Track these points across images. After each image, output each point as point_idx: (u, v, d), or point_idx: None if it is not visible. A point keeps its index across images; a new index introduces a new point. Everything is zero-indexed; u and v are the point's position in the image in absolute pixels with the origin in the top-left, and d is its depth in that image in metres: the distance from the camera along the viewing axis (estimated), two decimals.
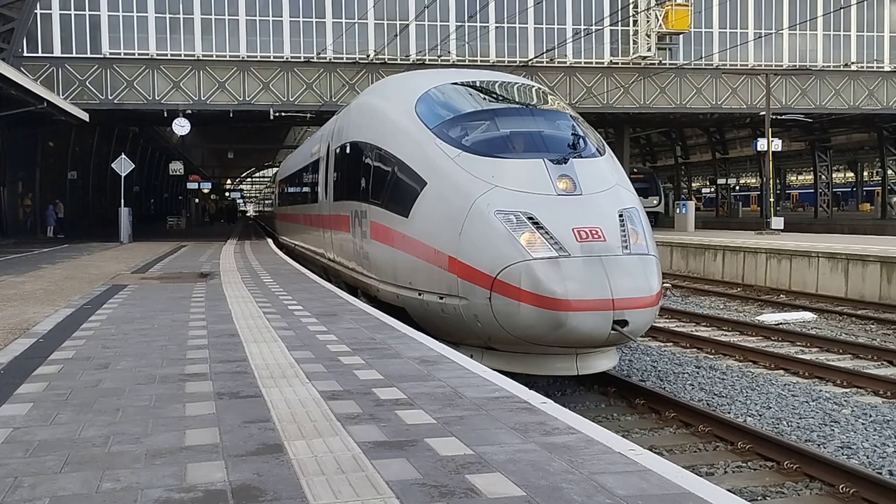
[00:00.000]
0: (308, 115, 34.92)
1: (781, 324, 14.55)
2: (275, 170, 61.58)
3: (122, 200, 28.46)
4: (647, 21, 34.27)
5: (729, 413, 8.50)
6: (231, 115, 33.30)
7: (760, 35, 34.89)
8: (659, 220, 38.15)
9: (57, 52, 30.84)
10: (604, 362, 8.87)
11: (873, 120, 41.91)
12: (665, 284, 17.42)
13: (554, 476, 3.44)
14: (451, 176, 9.05)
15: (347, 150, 12.84)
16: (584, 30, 33.32)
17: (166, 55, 31.61)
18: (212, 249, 22.18)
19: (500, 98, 10.71)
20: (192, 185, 58.53)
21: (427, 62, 31.44)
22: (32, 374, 5.62)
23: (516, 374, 7.43)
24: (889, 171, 47.12)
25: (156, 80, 31.46)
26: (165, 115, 32.26)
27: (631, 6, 34.05)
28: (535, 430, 4.15)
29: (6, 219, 32.20)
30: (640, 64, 34.65)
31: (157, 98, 31.48)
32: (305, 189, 19.61)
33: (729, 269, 22.26)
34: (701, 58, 34.95)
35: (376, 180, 10.80)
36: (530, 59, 33.17)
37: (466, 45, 33.01)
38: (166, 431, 4.16)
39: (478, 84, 11.03)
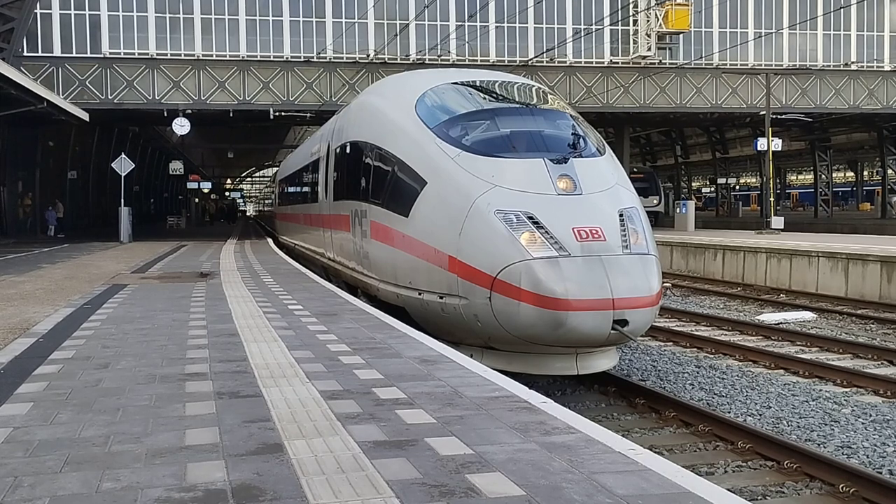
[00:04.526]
0: (308, 114, 34.92)
1: (781, 323, 14.54)
2: (275, 170, 61.58)
3: (122, 200, 28.46)
4: (647, 21, 34.26)
5: (729, 412, 8.50)
6: (231, 114, 33.29)
7: (760, 35, 34.90)
8: (659, 220, 38.15)
9: (57, 52, 30.83)
10: (604, 362, 8.87)
11: (873, 119, 41.93)
12: (665, 284, 17.42)
13: (554, 476, 3.44)
14: (452, 175, 9.05)
15: (347, 150, 12.84)
16: (584, 29, 33.31)
17: (166, 55, 31.61)
18: (212, 249, 22.18)
19: (500, 98, 10.71)
20: (192, 185, 58.51)
21: (427, 62, 31.43)
22: (32, 374, 5.62)
23: (516, 374, 7.42)
24: (889, 171, 47.12)
25: (156, 79, 31.46)
26: (165, 114, 32.26)
27: (631, 6, 34.05)
28: (535, 429, 4.15)
29: (6, 218, 32.20)
30: (640, 63, 34.64)
31: (157, 98, 31.47)
32: (305, 189, 19.61)
33: (729, 269, 22.26)
34: (701, 57, 34.95)
35: (376, 180, 10.80)
36: (530, 59, 33.17)
37: (466, 44, 33.00)
38: (166, 431, 4.16)
39: (478, 84, 11.03)
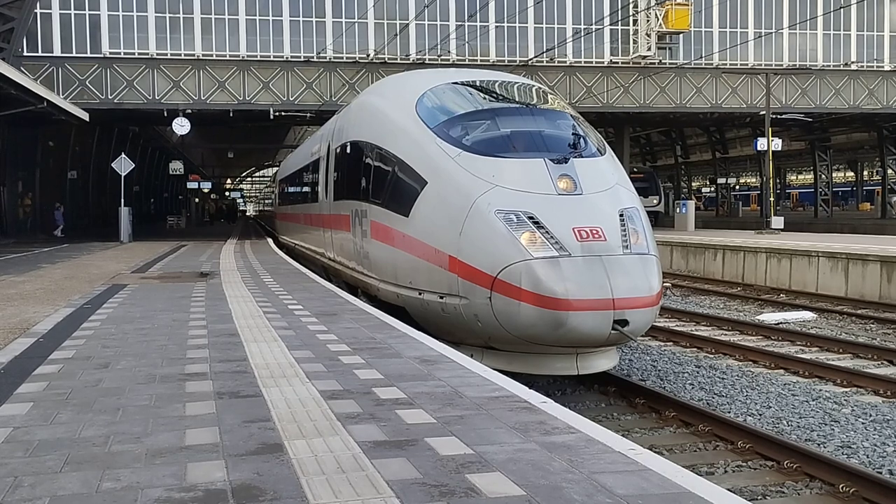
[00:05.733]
0: (308, 114, 34.91)
1: (781, 323, 14.54)
2: (275, 169, 61.59)
3: (122, 200, 28.46)
4: (647, 20, 34.26)
5: (729, 412, 8.50)
6: (231, 114, 33.29)
7: (760, 34, 34.90)
8: (659, 220, 38.16)
9: (57, 52, 30.83)
10: (604, 362, 8.87)
11: (873, 119, 41.92)
12: (665, 284, 17.41)
13: (554, 475, 3.44)
14: (452, 175, 9.05)
15: (348, 150, 12.84)
16: (584, 29, 33.32)
17: (166, 55, 31.61)
18: (212, 249, 22.17)
19: (501, 97, 10.71)
20: (192, 185, 58.55)
21: (427, 62, 31.44)
22: (32, 374, 5.61)
23: (516, 374, 7.42)
24: (889, 171, 47.12)
25: (156, 79, 31.46)
26: (165, 114, 32.26)
27: (631, 6, 34.05)
28: (535, 429, 4.15)
29: (6, 218, 32.20)
30: (640, 63, 34.64)
31: (157, 98, 31.47)
32: (306, 188, 19.61)
33: (729, 269, 22.25)
34: (701, 57, 34.95)
35: (377, 180, 10.81)
36: (530, 59, 33.16)
37: (466, 44, 33.00)
38: (166, 431, 4.16)
39: (478, 84, 11.03)
